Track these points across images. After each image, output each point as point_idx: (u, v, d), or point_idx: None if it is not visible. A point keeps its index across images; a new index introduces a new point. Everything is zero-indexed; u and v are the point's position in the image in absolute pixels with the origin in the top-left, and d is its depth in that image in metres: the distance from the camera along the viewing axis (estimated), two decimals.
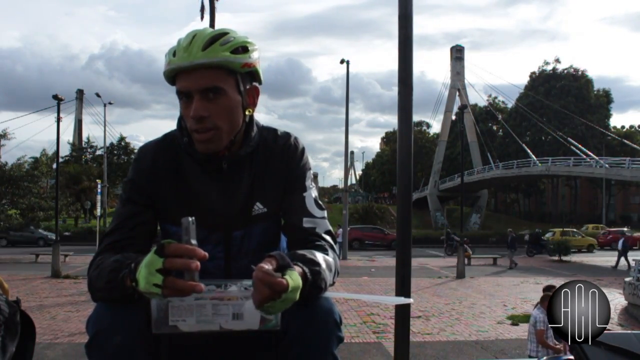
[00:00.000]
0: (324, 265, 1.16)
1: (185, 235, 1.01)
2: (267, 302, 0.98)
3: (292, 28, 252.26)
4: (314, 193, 1.37)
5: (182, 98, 1.23)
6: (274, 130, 1.40)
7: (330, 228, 1.35)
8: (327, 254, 1.24)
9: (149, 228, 1.31)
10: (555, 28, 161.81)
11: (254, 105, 1.32)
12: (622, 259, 20.68)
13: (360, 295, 1.26)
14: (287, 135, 1.40)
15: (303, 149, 1.40)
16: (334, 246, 1.31)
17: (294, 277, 1.01)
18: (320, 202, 1.37)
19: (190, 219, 1.02)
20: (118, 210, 1.32)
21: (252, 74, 1.30)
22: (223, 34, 1.24)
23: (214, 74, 1.21)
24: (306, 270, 1.10)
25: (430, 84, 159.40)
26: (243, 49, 1.25)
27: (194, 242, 1.01)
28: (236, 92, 1.25)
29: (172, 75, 1.25)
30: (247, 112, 1.30)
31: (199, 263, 0.99)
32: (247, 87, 1.29)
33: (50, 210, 22.19)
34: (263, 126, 1.39)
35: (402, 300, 1.31)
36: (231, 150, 1.30)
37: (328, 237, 1.31)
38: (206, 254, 1.00)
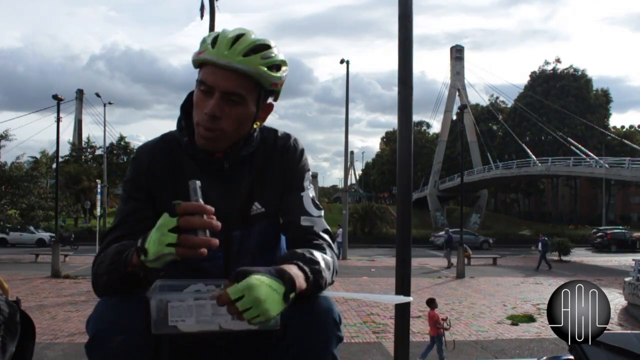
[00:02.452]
0: (323, 264, 1.16)
1: (194, 195, 1.04)
2: (237, 314, 0.97)
3: (293, 28, 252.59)
4: (311, 193, 1.37)
5: (203, 89, 1.22)
6: (275, 131, 1.41)
7: (328, 227, 1.36)
8: (325, 253, 1.24)
9: (151, 224, 1.31)
10: (556, 28, 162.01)
11: (263, 120, 1.34)
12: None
13: (360, 295, 1.25)
14: (287, 136, 1.41)
15: (302, 150, 1.41)
16: (332, 245, 1.32)
17: (238, 285, 0.98)
18: (317, 202, 1.38)
19: (197, 182, 1.06)
20: (120, 208, 1.32)
21: (273, 92, 1.31)
22: (266, 46, 1.24)
23: (243, 82, 1.21)
24: (307, 269, 1.11)
25: (431, 84, 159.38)
26: (277, 67, 1.26)
27: (201, 201, 1.04)
28: (255, 104, 1.26)
29: (202, 63, 1.24)
30: (255, 125, 1.31)
31: (218, 223, 1.03)
32: (265, 102, 1.30)
33: (50, 210, 22.19)
34: (264, 126, 1.40)
35: (402, 299, 1.31)
36: (232, 150, 1.31)
37: (326, 236, 1.32)
38: (212, 209, 1.04)
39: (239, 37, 1.21)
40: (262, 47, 1.23)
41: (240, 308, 0.96)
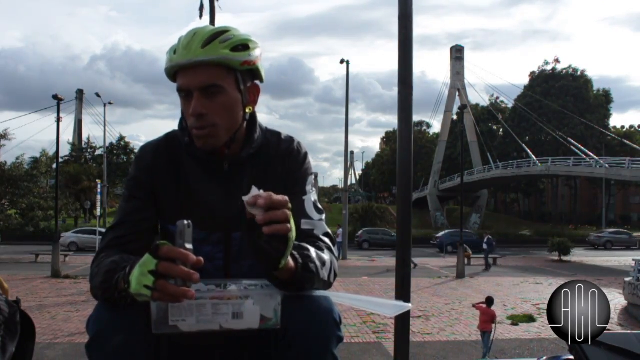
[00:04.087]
0: (314, 254, 1.17)
1: (179, 239, 0.97)
2: (280, 229, 1.01)
3: (294, 28, 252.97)
4: (313, 197, 1.37)
5: (183, 95, 1.24)
6: (278, 134, 1.40)
7: (329, 230, 1.35)
8: (323, 253, 1.24)
9: (152, 224, 1.31)
10: (557, 28, 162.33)
11: (254, 103, 1.32)
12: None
13: (357, 302, 1.23)
14: (290, 139, 1.40)
15: (305, 154, 1.40)
16: (332, 248, 1.31)
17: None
18: (319, 205, 1.37)
19: (185, 222, 0.98)
20: (121, 206, 1.32)
21: (252, 72, 1.29)
22: (223, 31, 1.24)
23: (213, 72, 1.21)
24: (295, 253, 1.11)
25: (431, 84, 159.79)
26: (243, 46, 1.24)
27: (188, 246, 0.97)
28: (236, 89, 1.25)
29: (173, 73, 1.25)
30: (247, 110, 1.30)
31: (198, 275, 0.97)
32: (248, 85, 1.29)
33: (50, 210, 22.19)
34: (267, 129, 1.39)
35: (401, 307, 1.29)
36: (232, 149, 1.30)
37: (326, 239, 1.31)
38: (201, 259, 0.98)
39: (194, 34, 1.22)
40: (218, 34, 1.23)
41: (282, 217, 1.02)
